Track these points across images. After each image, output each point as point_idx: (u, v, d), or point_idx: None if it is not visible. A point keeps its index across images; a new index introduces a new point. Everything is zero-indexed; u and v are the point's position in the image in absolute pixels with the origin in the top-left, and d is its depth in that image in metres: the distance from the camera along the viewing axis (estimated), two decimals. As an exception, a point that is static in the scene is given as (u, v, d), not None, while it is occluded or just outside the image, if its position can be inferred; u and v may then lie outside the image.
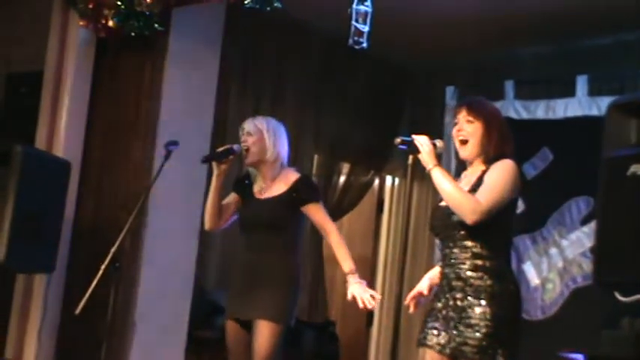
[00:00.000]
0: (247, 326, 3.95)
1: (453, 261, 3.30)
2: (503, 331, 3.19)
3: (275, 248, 3.95)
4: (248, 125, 4.10)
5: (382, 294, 7.09)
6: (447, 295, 3.30)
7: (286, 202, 3.99)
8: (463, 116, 3.36)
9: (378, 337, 7.07)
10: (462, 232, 3.27)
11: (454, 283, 3.28)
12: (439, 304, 3.33)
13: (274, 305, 3.88)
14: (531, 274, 6.11)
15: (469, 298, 3.22)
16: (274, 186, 4.04)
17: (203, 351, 5.48)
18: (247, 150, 4.05)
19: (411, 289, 3.56)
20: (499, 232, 3.27)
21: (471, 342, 3.18)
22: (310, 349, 5.98)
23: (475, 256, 3.26)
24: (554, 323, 5.92)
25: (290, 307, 3.96)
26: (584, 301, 5.76)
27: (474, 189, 3.28)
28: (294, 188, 4.00)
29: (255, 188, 4.10)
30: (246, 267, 4.02)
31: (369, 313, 7.10)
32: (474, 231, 3.23)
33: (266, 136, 4.05)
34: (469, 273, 3.25)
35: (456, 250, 3.30)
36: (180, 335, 5.19)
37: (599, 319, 5.36)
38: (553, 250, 6.05)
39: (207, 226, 4.16)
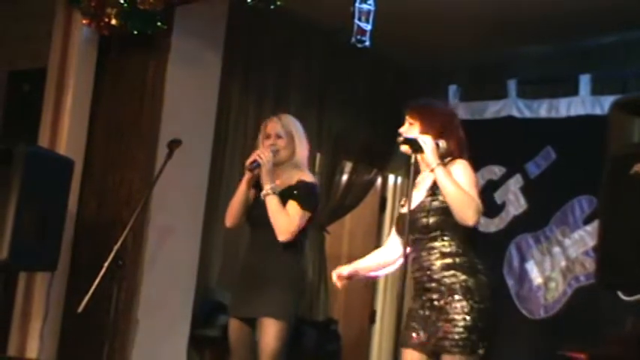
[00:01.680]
0: (251, 325, 3.95)
1: (423, 264, 3.34)
2: (482, 322, 3.22)
3: (278, 248, 3.93)
4: (275, 126, 4.05)
5: (384, 292, 7.12)
6: (423, 297, 3.35)
7: (283, 199, 3.95)
8: (407, 119, 3.49)
9: (380, 336, 7.07)
10: (429, 235, 3.32)
11: (428, 285, 3.33)
12: (416, 306, 3.38)
13: (279, 303, 3.87)
14: (534, 273, 6.10)
15: (445, 296, 3.26)
16: (281, 185, 3.99)
17: (205, 349, 5.49)
18: (277, 151, 4.00)
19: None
20: (465, 229, 3.28)
21: (450, 336, 3.21)
22: (312, 348, 5.97)
23: (444, 255, 3.30)
24: (556, 322, 5.91)
25: (294, 306, 3.95)
26: (586, 301, 5.75)
27: (433, 193, 3.33)
28: (293, 186, 3.97)
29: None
30: (250, 266, 4.02)
31: (372, 312, 7.10)
32: (441, 232, 3.30)
33: (297, 141, 4.04)
34: (441, 273, 3.29)
35: (424, 254, 3.35)
36: (182, 333, 5.20)
37: (602, 319, 5.36)
38: (556, 249, 6.05)
39: (228, 223, 4.13)
